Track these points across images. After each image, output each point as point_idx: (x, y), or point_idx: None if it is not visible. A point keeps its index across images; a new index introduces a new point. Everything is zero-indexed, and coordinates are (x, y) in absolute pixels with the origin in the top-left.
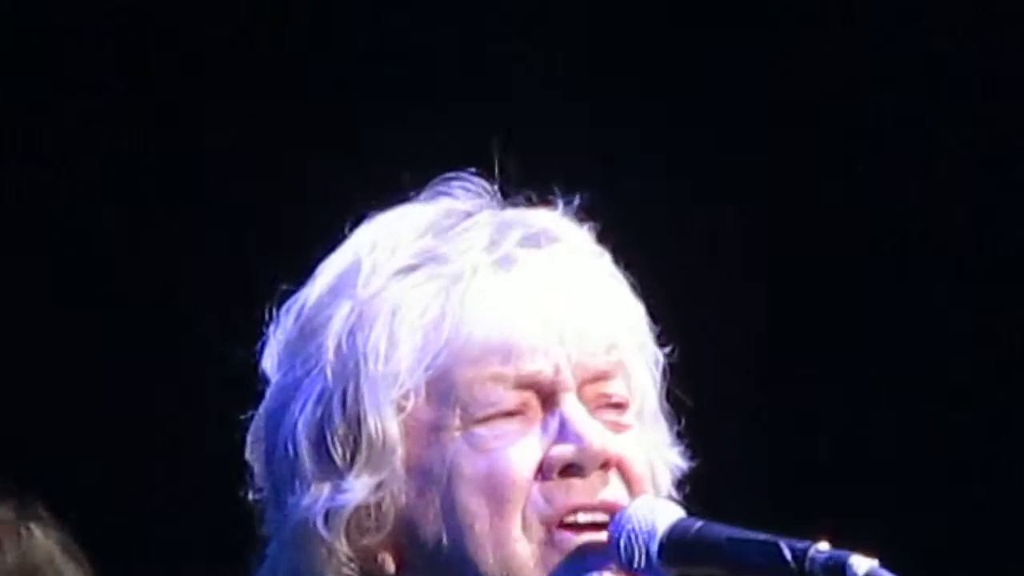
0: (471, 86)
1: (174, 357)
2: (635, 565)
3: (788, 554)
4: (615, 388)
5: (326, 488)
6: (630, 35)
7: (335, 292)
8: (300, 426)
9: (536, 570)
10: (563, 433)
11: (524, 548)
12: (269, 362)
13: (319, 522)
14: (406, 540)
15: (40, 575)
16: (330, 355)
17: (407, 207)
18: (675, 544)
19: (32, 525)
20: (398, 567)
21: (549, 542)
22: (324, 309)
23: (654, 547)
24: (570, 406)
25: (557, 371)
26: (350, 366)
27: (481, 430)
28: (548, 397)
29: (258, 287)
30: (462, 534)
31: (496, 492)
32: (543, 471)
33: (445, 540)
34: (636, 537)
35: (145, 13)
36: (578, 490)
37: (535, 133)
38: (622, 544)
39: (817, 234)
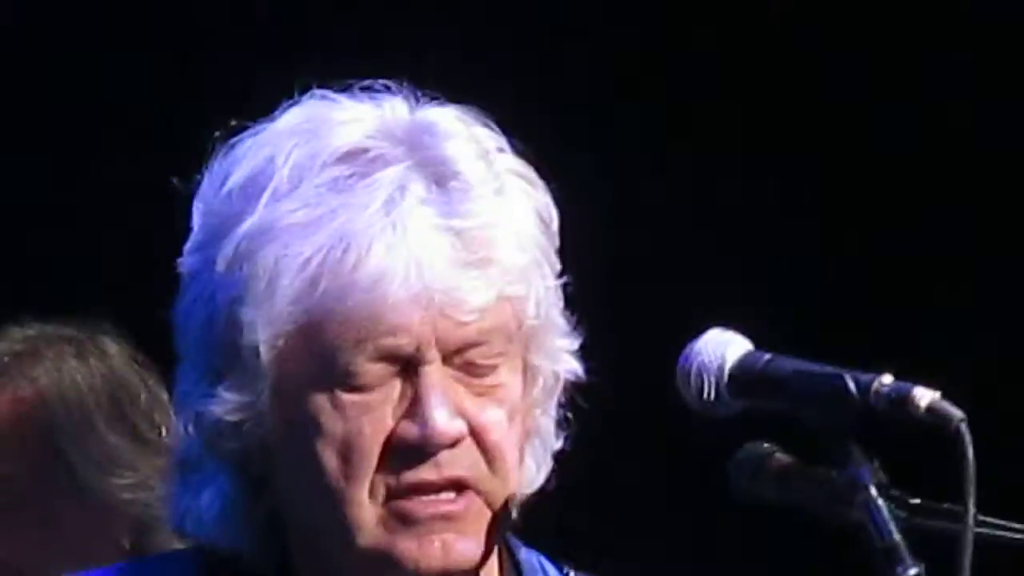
0: None
1: None
2: (704, 397)
3: (852, 386)
4: (483, 353)
5: (202, 386)
6: None
7: (245, 196)
8: (192, 319)
9: (376, 533)
10: (412, 410)
11: (367, 512)
12: (195, 215)
13: (189, 421)
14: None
15: (127, 385)
16: (222, 268)
17: (338, 109)
18: (743, 376)
19: (106, 339)
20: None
21: (393, 511)
22: (231, 212)
23: (724, 379)
24: (425, 381)
25: (418, 347)
26: (234, 292)
27: (341, 394)
28: (408, 368)
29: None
30: (311, 483)
31: (348, 457)
32: (392, 444)
33: (293, 483)
34: (706, 369)
35: None
36: (424, 467)
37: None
38: (692, 376)
39: None
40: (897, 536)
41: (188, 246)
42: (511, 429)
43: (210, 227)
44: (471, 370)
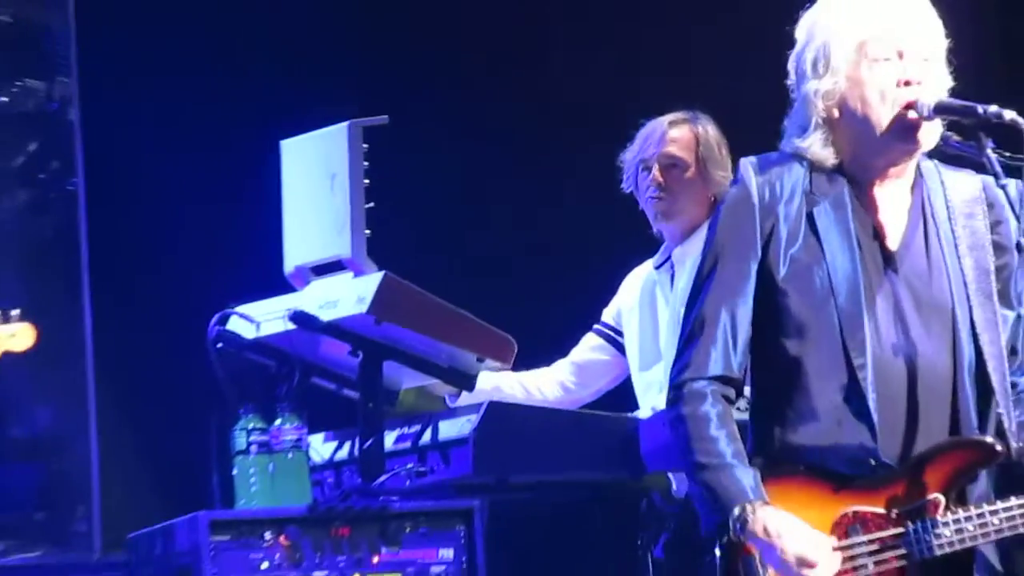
0: None
1: None
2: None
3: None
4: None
5: (814, 80)
6: None
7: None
8: (803, 56)
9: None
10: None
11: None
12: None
13: (810, 87)
14: (840, 106)
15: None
16: (822, 35)
17: None
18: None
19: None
20: (838, 118)
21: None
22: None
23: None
24: (908, 61)
25: (900, 53)
26: (826, 44)
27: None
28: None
29: None
30: (863, 103)
31: (875, 89)
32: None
33: (854, 104)
34: None
35: None
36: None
37: None
38: None
39: None
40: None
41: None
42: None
43: (806, 31)
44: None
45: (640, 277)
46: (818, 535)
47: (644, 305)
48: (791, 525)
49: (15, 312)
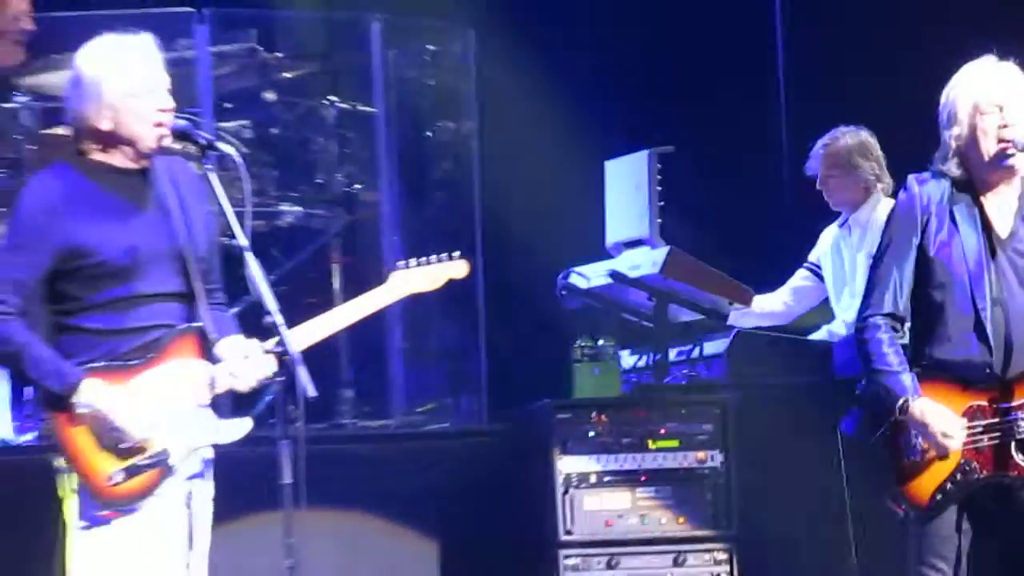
0: None
1: None
2: None
3: None
4: None
5: (947, 129)
6: None
7: None
8: (941, 112)
9: None
10: None
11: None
12: None
13: (945, 133)
14: (964, 145)
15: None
16: None
17: None
18: None
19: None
20: (964, 152)
21: None
22: None
23: None
24: (1007, 112)
25: None
26: (954, 105)
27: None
28: None
29: None
30: (977, 142)
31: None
32: None
33: (972, 143)
34: None
35: None
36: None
37: None
38: None
39: None
40: None
41: None
42: None
43: None
44: None
45: (831, 232)
46: (954, 417)
47: (835, 252)
48: (937, 410)
49: (456, 253)
